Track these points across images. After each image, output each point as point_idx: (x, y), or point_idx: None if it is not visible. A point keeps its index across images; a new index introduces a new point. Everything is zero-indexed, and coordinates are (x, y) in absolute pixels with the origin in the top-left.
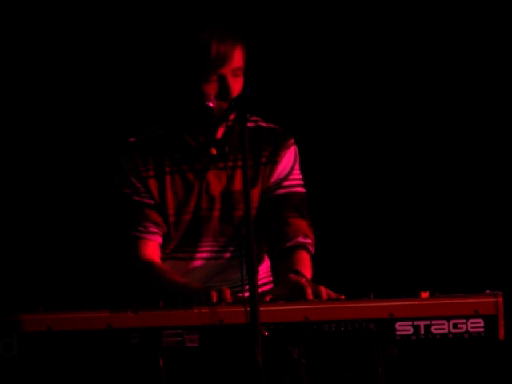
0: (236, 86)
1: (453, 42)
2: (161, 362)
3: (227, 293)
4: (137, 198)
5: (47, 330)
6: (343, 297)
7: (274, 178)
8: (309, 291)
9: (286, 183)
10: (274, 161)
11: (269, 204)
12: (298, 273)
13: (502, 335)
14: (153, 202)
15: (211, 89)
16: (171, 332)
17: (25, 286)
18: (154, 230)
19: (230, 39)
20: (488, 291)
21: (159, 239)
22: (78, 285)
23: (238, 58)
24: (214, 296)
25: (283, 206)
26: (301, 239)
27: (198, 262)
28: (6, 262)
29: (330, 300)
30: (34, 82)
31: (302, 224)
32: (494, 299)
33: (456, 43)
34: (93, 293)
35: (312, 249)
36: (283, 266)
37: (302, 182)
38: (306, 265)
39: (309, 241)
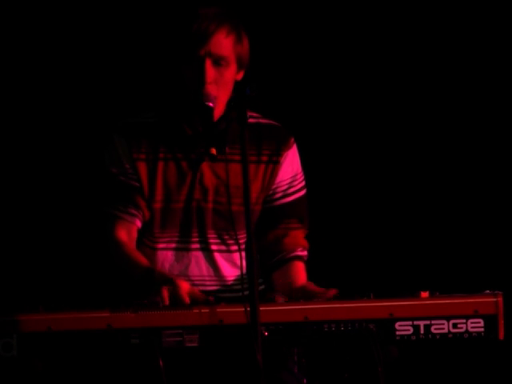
0: (213, 73)
1: (453, 41)
2: (160, 362)
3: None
4: (122, 179)
5: (47, 330)
6: None
7: (278, 180)
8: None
9: (291, 190)
10: (276, 161)
11: (273, 212)
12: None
13: (501, 335)
14: (138, 184)
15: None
16: (171, 332)
17: (25, 285)
18: (134, 212)
19: (216, 20)
20: (488, 291)
21: (138, 223)
22: (78, 285)
23: (221, 44)
24: (166, 299)
25: (287, 215)
26: (299, 253)
27: (193, 254)
28: (5, 262)
29: (329, 300)
30: (28, 72)
31: (300, 235)
32: (494, 299)
33: (456, 43)
34: (93, 293)
35: (306, 258)
36: (280, 275)
37: (304, 183)
38: (302, 276)
39: (305, 253)
